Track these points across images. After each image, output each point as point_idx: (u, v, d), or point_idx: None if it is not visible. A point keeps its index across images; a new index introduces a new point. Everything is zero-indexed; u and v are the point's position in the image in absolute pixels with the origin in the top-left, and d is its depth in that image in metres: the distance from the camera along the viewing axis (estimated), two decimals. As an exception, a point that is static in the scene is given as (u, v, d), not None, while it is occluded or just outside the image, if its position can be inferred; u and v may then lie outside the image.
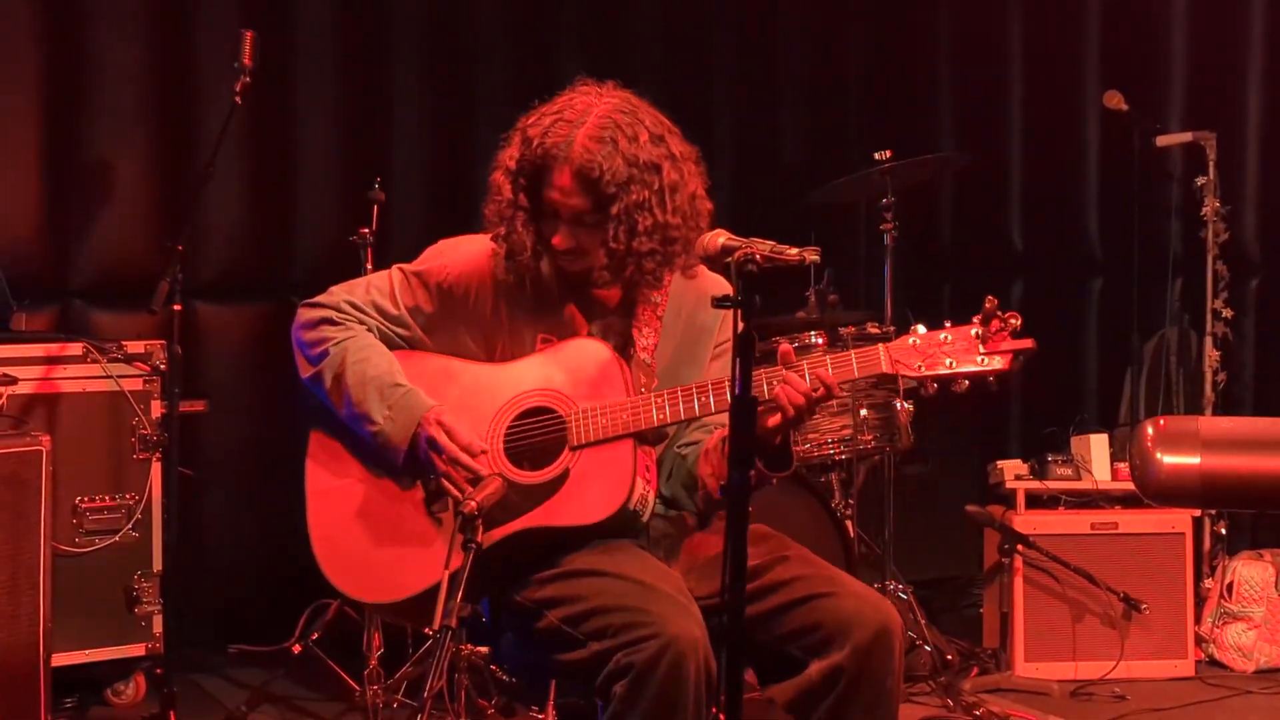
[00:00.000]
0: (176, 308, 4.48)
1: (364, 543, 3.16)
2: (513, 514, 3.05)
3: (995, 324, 2.91)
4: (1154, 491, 3.64)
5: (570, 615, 2.96)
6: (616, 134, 3.04)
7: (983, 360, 2.91)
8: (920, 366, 2.94)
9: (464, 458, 3.06)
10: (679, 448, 3.24)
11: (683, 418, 3.07)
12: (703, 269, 3.15)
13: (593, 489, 3.05)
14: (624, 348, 3.20)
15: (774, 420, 2.94)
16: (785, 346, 3.00)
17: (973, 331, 2.93)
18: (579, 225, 3.09)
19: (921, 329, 2.97)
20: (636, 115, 3.09)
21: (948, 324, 2.97)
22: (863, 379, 3.03)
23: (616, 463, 3.05)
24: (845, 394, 4.72)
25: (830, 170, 5.53)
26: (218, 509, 5.49)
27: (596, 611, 2.92)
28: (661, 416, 3.04)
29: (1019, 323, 2.92)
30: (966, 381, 2.93)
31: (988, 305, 2.92)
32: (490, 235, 3.17)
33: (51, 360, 4.63)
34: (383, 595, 3.18)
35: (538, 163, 3.06)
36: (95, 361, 4.68)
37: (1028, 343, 2.92)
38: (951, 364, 2.93)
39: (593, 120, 3.05)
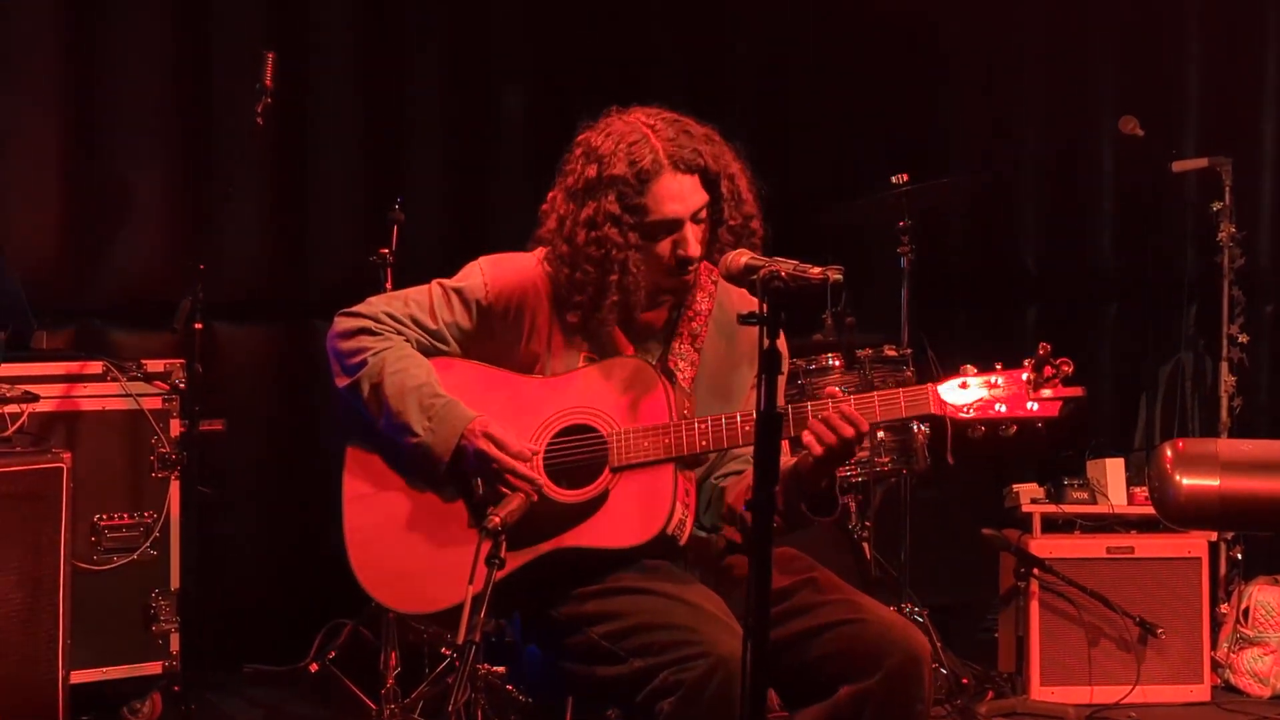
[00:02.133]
0: (197, 327, 4.51)
1: (403, 553, 3.15)
2: (550, 532, 3.05)
3: (1048, 370, 2.90)
4: (1173, 513, 3.65)
5: (611, 631, 2.97)
6: (680, 126, 3.16)
7: (1034, 407, 2.91)
8: (969, 410, 2.94)
9: (520, 467, 3.05)
10: (716, 478, 3.25)
11: (725, 445, 3.07)
12: (744, 294, 3.10)
13: (631, 512, 3.05)
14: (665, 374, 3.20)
15: (812, 463, 2.96)
16: (831, 389, 3.02)
17: (1024, 376, 2.92)
18: (698, 224, 3.15)
19: (972, 370, 2.95)
20: (672, 112, 3.22)
21: (998, 366, 2.96)
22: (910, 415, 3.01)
23: (657, 487, 3.05)
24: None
25: (846, 193, 5.54)
26: (235, 528, 5.51)
27: (640, 628, 2.93)
28: (704, 443, 3.04)
29: (1071, 370, 2.91)
30: (1015, 426, 2.93)
31: (1041, 351, 2.91)
32: (576, 298, 3.16)
33: (71, 379, 4.65)
34: (420, 606, 3.20)
35: (637, 189, 3.10)
36: (115, 380, 4.70)
37: (1078, 390, 2.91)
38: (1002, 409, 2.92)
39: (658, 126, 3.15)
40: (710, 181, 3.17)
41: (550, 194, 3.27)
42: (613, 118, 3.22)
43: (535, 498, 3.01)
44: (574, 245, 3.15)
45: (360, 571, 3.18)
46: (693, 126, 3.19)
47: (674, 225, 3.13)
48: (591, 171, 3.15)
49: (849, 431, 2.92)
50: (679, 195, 3.13)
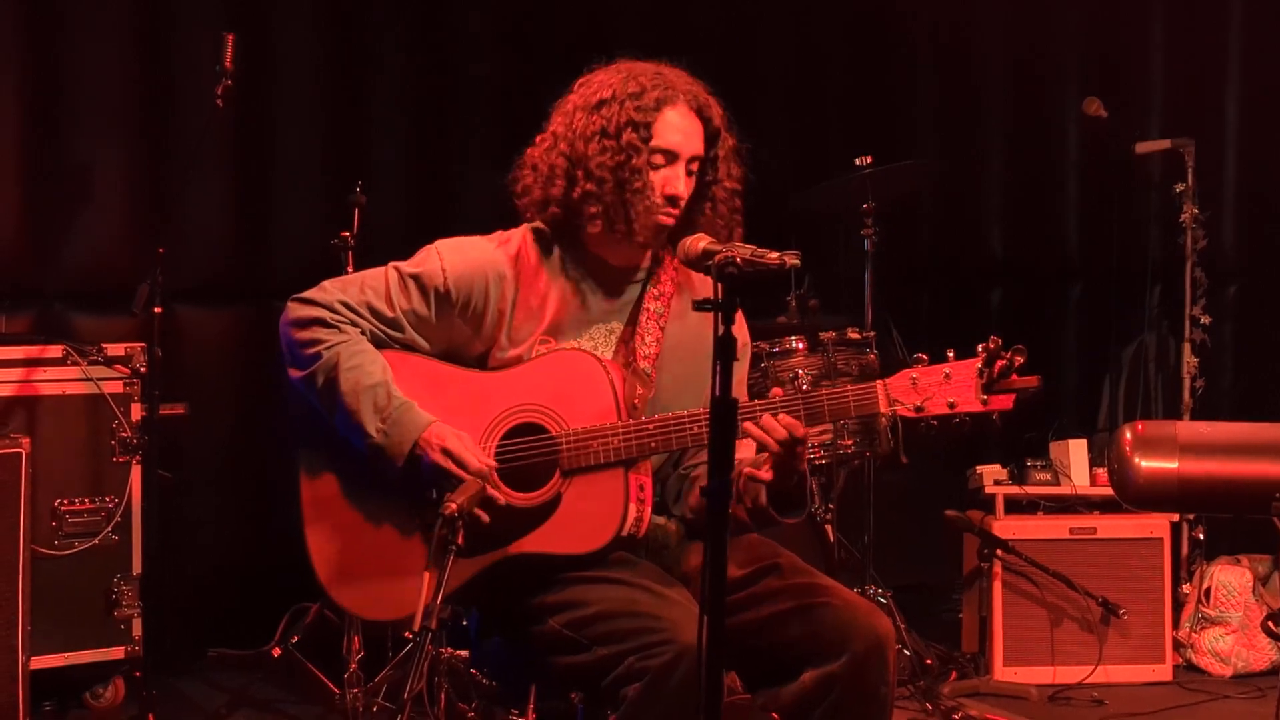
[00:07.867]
0: (157, 310, 4.47)
1: (364, 559, 3.10)
2: (503, 537, 3.02)
3: (1000, 364, 2.84)
4: (1132, 495, 3.67)
5: (574, 620, 2.95)
6: (692, 78, 3.18)
7: (986, 402, 2.86)
8: (920, 407, 2.90)
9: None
10: (685, 468, 3.24)
11: (674, 449, 3.06)
12: (707, 280, 3.08)
13: (585, 517, 3.02)
14: (625, 355, 3.18)
15: (768, 468, 2.95)
16: (774, 390, 2.98)
17: (976, 369, 2.87)
18: (689, 176, 3.14)
19: (923, 362, 2.91)
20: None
21: (950, 355, 2.90)
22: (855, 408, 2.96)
23: (608, 491, 3.02)
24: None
25: (811, 176, 5.54)
26: (197, 512, 5.47)
27: (604, 616, 2.92)
28: (654, 445, 3.01)
29: (1024, 359, 2.85)
30: (969, 419, 2.89)
31: (992, 345, 2.85)
32: (591, 210, 3.12)
33: (31, 363, 4.61)
34: (384, 613, 3.16)
35: (649, 112, 3.09)
36: (75, 364, 4.66)
37: (1032, 381, 2.86)
38: (953, 404, 2.88)
39: (676, 72, 3.17)
40: (710, 137, 3.17)
41: (539, 136, 3.23)
42: (621, 61, 3.22)
43: (501, 501, 3.00)
44: (576, 156, 3.12)
45: (324, 575, 3.13)
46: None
47: (671, 157, 3.11)
48: (605, 93, 3.13)
49: (781, 435, 2.91)
50: (685, 130, 3.12)
